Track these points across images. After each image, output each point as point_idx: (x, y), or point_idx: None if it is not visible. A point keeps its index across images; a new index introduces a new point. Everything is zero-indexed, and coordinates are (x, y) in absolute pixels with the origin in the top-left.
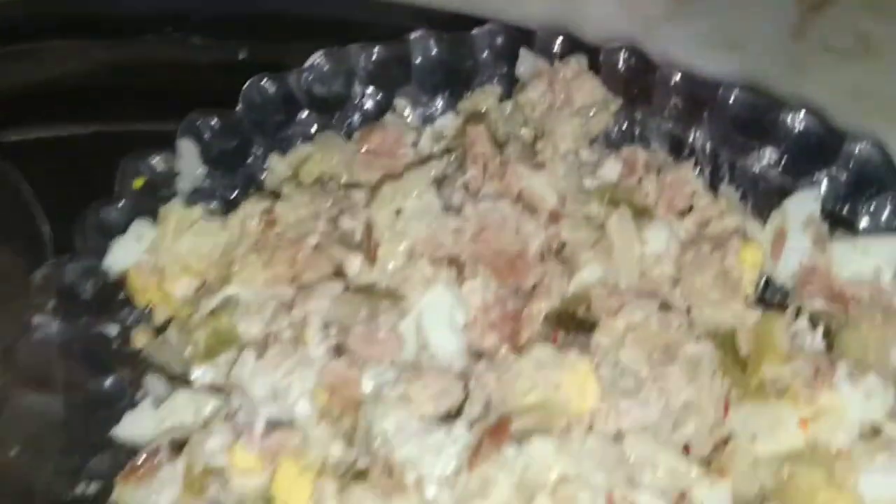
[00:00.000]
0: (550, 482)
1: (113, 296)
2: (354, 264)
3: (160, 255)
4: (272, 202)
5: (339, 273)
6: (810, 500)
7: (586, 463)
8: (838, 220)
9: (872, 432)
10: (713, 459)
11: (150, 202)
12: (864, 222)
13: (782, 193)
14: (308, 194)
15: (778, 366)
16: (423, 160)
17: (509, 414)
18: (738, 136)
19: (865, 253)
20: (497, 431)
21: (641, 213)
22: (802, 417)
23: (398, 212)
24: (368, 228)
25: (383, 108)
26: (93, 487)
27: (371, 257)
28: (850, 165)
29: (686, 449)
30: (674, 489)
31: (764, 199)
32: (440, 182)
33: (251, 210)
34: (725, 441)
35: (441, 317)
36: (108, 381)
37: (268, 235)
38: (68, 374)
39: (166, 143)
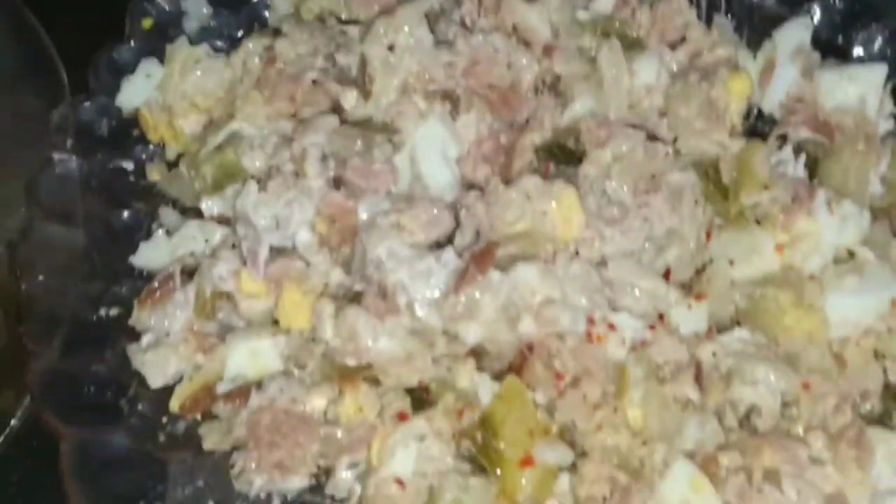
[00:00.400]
0: (535, 305)
1: (127, 133)
2: (350, 99)
3: (168, 92)
4: (273, 39)
5: (336, 108)
6: (779, 321)
7: (569, 287)
8: (832, 50)
9: (847, 256)
10: (693, 284)
11: (159, 42)
12: (857, 51)
13: (777, 23)
14: (307, 31)
15: (757, 193)
16: None
17: (496, 241)
18: None
19: (852, 81)
20: (483, 257)
21: (633, 45)
22: (779, 243)
23: (391, 47)
24: (363, 64)
25: None
26: (114, 311)
27: (366, 92)
28: None
29: (667, 274)
30: (653, 312)
31: (759, 28)
32: (435, 17)
33: (253, 48)
34: (704, 267)
35: (434, 150)
36: (126, 214)
37: (269, 72)
38: (88, 207)
39: None
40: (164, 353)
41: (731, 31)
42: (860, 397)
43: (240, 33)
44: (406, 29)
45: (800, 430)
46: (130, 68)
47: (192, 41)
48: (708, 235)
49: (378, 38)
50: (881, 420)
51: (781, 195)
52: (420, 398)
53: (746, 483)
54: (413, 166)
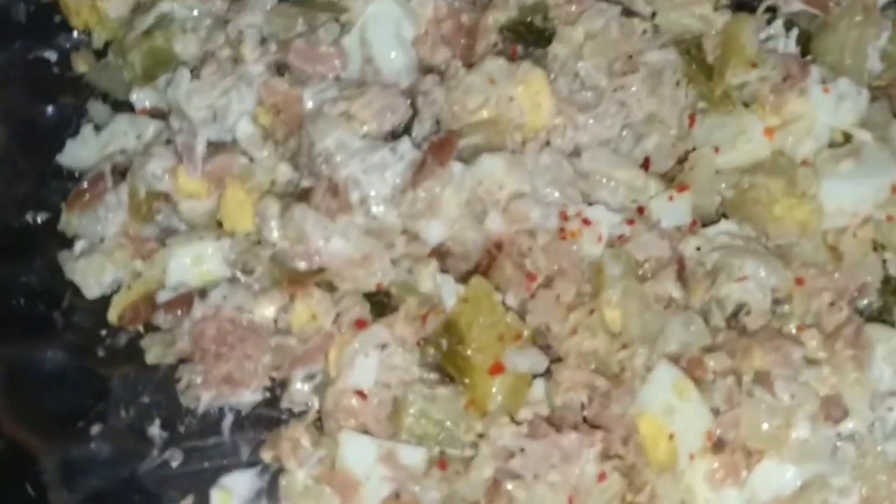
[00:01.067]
0: (502, 199)
1: (48, 19)
2: None
3: None
4: None
5: None
6: (769, 211)
7: (539, 179)
8: None
9: (843, 139)
10: (675, 175)
11: None
12: None
13: None
14: None
15: (744, 70)
16: None
17: (457, 130)
18: None
19: None
20: (442, 147)
21: None
22: (768, 126)
23: None
24: None
25: None
26: (42, 216)
27: None
28: None
29: (646, 164)
30: (631, 204)
31: None
32: None
33: None
34: (687, 155)
35: (387, 29)
36: (50, 109)
37: None
38: (8, 102)
39: None
40: (98, 259)
41: None
42: (857, 292)
43: None
44: None
45: (792, 328)
46: None
47: None
48: (691, 120)
49: None
50: (880, 316)
51: (771, 73)
52: (380, 303)
53: (735, 386)
54: (363, 48)
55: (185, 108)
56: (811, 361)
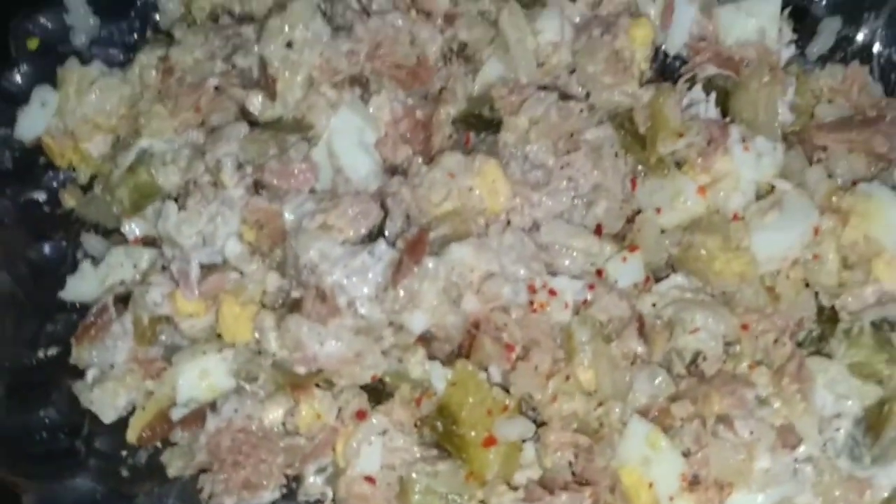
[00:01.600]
0: (475, 281)
1: (33, 162)
2: (256, 102)
3: (67, 117)
4: (167, 49)
5: (244, 111)
6: (710, 266)
7: (506, 258)
8: None
9: (767, 191)
10: (625, 234)
11: (49, 62)
12: None
13: None
14: (201, 34)
15: (672, 140)
16: None
17: (426, 227)
18: None
19: (749, 14)
20: (415, 246)
21: (534, 2)
22: (701, 185)
23: (289, 44)
24: (263, 65)
25: None
26: (52, 351)
27: (271, 93)
28: None
29: (598, 230)
30: (590, 268)
31: None
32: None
33: (147, 60)
34: (634, 216)
35: (351, 138)
36: (47, 247)
37: (168, 83)
38: (5, 246)
39: None
40: (111, 386)
41: None
42: (797, 326)
43: (133, 37)
44: (301, 24)
45: (745, 366)
46: (23, 95)
47: (85, 55)
48: (633, 184)
49: (274, 37)
50: (820, 342)
51: (696, 139)
52: (376, 390)
53: (701, 429)
54: (332, 159)
55: (176, 238)
56: (763, 401)
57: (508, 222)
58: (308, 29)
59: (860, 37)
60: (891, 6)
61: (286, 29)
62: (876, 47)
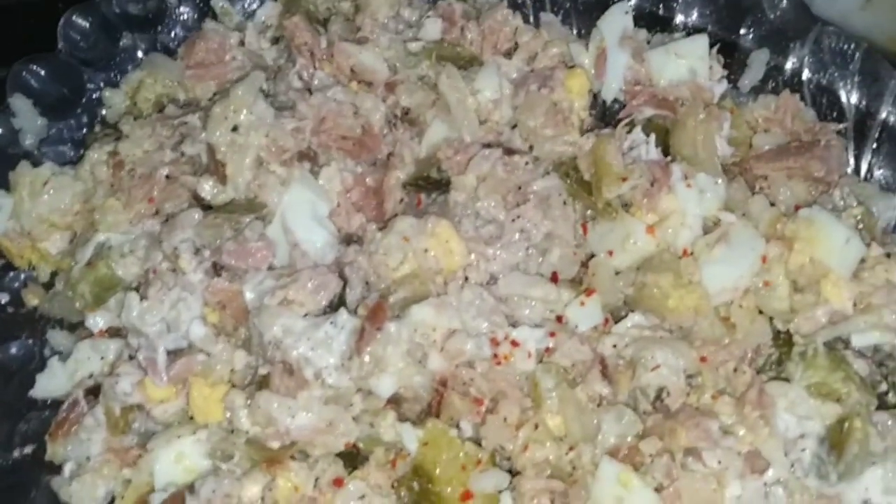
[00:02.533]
0: (438, 340)
1: None
2: (207, 187)
3: (23, 219)
4: (115, 144)
5: (196, 197)
6: (664, 304)
7: (466, 314)
8: (657, 20)
9: (715, 223)
10: (581, 279)
11: (1, 166)
12: (679, 17)
13: (601, 7)
14: (147, 127)
15: (617, 184)
16: (254, 58)
17: (384, 295)
18: None
19: (679, 56)
20: (375, 314)
21: (471, 62)
22: (648, 225)
23: (235, 128)
24: (211, 151)
25: (204, 13)
26: (28, 449)
27: (221, 177)
28: None
29: (554, 277)
30: (550, 315)
31: (585, 15)
32: (275, 74)
33: (96, 156)
34: (588, 260)
35: (304, 213)
36: (14, 348)
37: (119, 176)
38: None
39: None
40: (89, 478)
41: (560, 26)
42: (754, 353)
43: (82, 134)
44: (245, 109)
45: (708, 397)
46: None
47: (34, 156)
48: (584, 229)
49: (219, 124)
50: (779, 365)
51: (640, 181)
52: (351, 454)
53: (671, 462)
54: (287, 235)
55: (140, 327)
56: (728, 431)
57: (466, 279)
58: (252, 112)
59: (789, 65)
60: (815, 34)
61: (230, 114)
62: (805, 74)
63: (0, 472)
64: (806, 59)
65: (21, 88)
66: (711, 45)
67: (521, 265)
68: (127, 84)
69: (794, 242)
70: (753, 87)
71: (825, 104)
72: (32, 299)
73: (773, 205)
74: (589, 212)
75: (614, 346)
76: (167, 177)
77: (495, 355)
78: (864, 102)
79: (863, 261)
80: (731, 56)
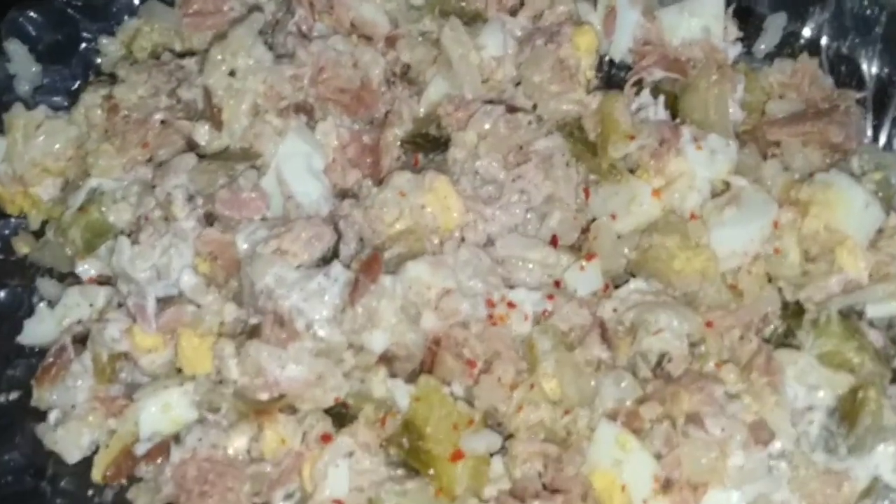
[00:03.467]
0: (433, 298)
1: None
2: (203, 133)
3: (15, 163)
4: (110, 88)
5: (191, 144)
6: (670, 266)
7: (462, 274)
8: None
9: (724, 187)
10: (581, 244)
11: None
12: None
13: None
14: (144, 72)
15: (623, 144)
16: (250, 9)
17: (380, 246)
18: None
19: (693, 15)
20: (370, 265)
21: (475, 18)
22: (655, 188)
23: (232, 73)
24: (207, 95)
25: None
26: (14, 395)
27: (217, 123)
28: None
29: (554, 241)
30: (548, 280)
31: None
32: (270, 29)
33: (91, 100)
34: (589, 226)
35: (299, 165)
36: (2, 294)
37: (114, 121)
38: None
39: None
40: (74, 426)
41: None
42: (762, 322)
43: (76, 84)
44: (243, 52)
45: (712, 365)
46: None
47: (29, 104)
48: (586, 193)
49: (217, 67)
50: (786, 339)
51: (648, 141)
52: (340, 414)
53: (671, 430)
54: (282, 187)
55: (131, 273)
56: (733, 396)
57: (463, 238)
58: (250, 56)
59: (807, 31)
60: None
61: (228, 57)
62: (823, 40)
63: None
64: (825, 24)
65: (16, 34)
66: (727, 7)
67: (520, 227)
68: (123, 32)
69: (808, 207)
70: (769, 54)
71: (844, 72)
72: (23, 247)
73: (786, 171)
74: (592, 176)
75: (615, 310)
76: (162, 122)
77: (490, 316)
78: (885, 71)
79: (880, 230)
80: (747, 21)
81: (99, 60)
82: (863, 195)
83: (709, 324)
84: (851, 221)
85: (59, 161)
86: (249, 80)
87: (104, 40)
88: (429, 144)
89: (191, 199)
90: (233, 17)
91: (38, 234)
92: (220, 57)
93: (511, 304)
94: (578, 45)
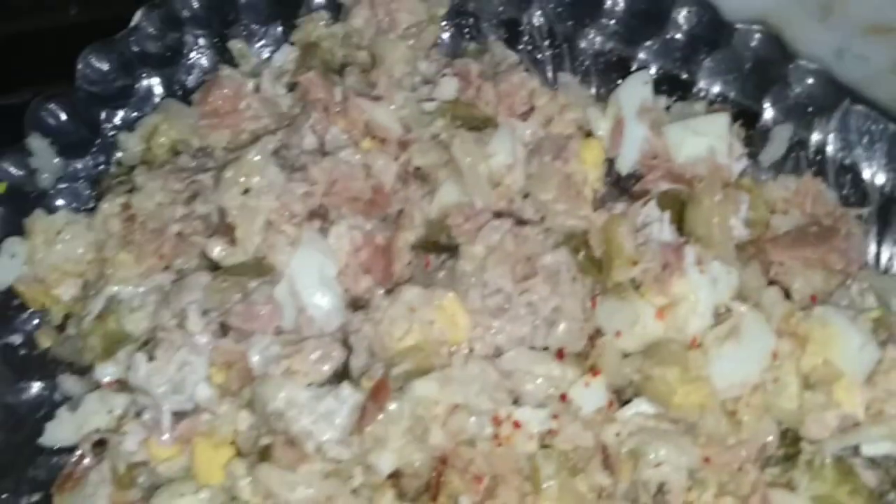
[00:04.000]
0: (440, 414)
1: (7, 307)
2: (216, 250)
3: (37, 266)
4: (128, 197)
5: (207, 256)
6: (670, 399)
7: (470, 389)
8: (679, 84)
9: (725, 311)
10: (588, 356)
11: (18, 204)
12: (701, 83)
13: (622, 67)
14: (160, 179)
15: (627, 269)
16: (269, 106)
17: (388, 366)
18: (571, 12)
19: (698, 134)
20: (378, 392)
21: (486, 123)
22: (658, 308)
23: (246, 191)
24: (221, 214)
25: (220, 54)
26: (36, 497)
27: (231, 240)
28: (682, 27)
29: (560, 354)
30: (553, 392)
31: (605, 77)
32: (289, 123)
33: (109, 209)
34: (596, 333)
35: (312, 274)
36: (25, 392)
37: (132, 229)
38: None
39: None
40: None
41: (578, 88)
42: (760, 451)
43: (98, 169)
44: (256, 173)
45: (710, 494)
46: None
47: (52, 196)
48: (593, 302)
49: (230, 187)
50: (787, 461)
51: (651, 265)
52: None
53: None
54: (294, 299)
55: (147, 388)
56: None
57: (471, 350)
58: (263, 177)
59: (813, 140)
60: (841, 111)
61: (242, 178)
62: (829, 151)
63: None
64: (831, 135)
65: (38, 127)
66: (733, 115)
67: (528, 338)
68: (142, 128)
69: (807, 342)
70: (774, 163)
71: (849, 184)
72: (45, 341)
73: (787, 294)
74: (597, 287)
75: (617, 434)
76: (178, 234)
77: (496, 435)
78: (889, 186)
79: (879, 363)
80: (753, 127)
81: (119, 154)
82: (859, 336)
83: (707, 459)
84: (848, 360)
85: (79, 265)
86: (263, 199)
87: (123, 136)
88: (439, 249)
89: (205, 313)
90: (249, 116)
91: (60, 327)
92: (234, 178)
93: (517, 424)
94: (586, 159)
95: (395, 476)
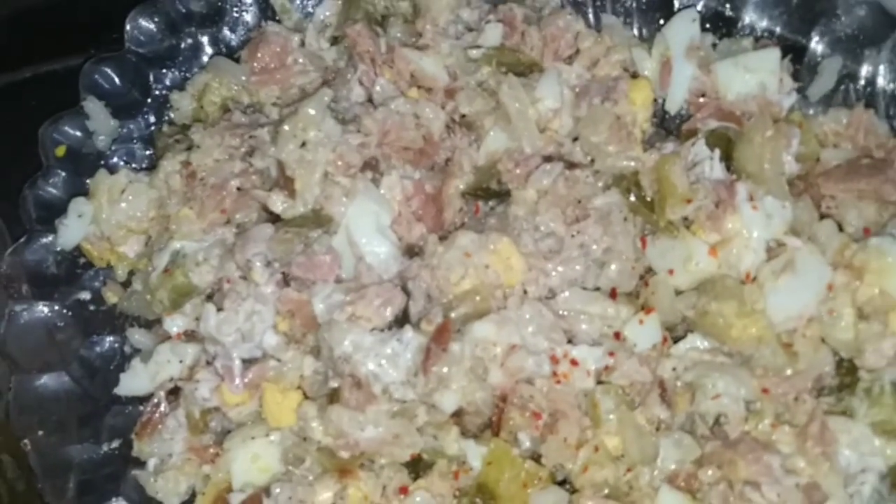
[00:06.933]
0: (499, 355)
1: (75, 264)
2: (277, 202)
3: (102, 225)
4: (187, 154)
5: (267, 209)
6: (726, 332)
7: (526, 330)
8: (724, 21)
9: (779, 243)
10: (639, 295)
11: (81, 167)
12: (747, 18)
13: (664, 6)
14: (217, 136)
15: (681, 206)
16: (315, 61)
17: (447, 305)
18: None
19: (748, 70)
20: (441, 334)
21: (531, 69)
22: (711, 245)
23: (303, 144)
24: (280, 167)
25: (263, 10)
26: (115, 443)
27: (290, 192)
28: None
29: (613, 294)
30: (608, 331)
31: (647, 16)
32: (335, 76)
33: (170, 167)
34: (647, 272)
35: (368, 225)
36: (98, 345)
37: (192, 186)
38: (63, 347)
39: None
40: (172, 475)
41: (622, 29)
42: (816, 381)
43: (150, 129)
44: (313, 126)
45: (767, 423)
46: (59, 202)
47: (108, 156)
48: (643, 242)
49: (288, 141)
50: (841, 390)
51: (704, 202)
52: (415, 462)
53: (728, 490)
54: (353, 248)
55: (217, 337)
56: (790, 471)
57: (525, 292)
58: (321, 130)
59: (863, 73)
60: (893, 40)
61: (299, 132)
62: (879, 83)
63: (93, 464)
64: (882, 66)
65: (93, 90)
66: (781, 50)
67: (580, 279)
68: (193, 87)
69: (863, 273)
70: (823, 96)
71: None
72: (112, 297)
73: (840, 227)
74: (648, 226)
75: (674, 368)
76: (238, 188)
77: (555, 373)
78: None
79: None
80: (801, 61)
81: (171, 114)
82: None
83: (765, 390)
84: None
85: (142, 222)
86: (320, 152)
87: (175, 96)
88: (490, 196)
89: (269, 264)
90: (297, 71)
91: (126, 283)
92: (291, 132)
93: (574, 362)
94: (634, 100)
95: (457, 414)
